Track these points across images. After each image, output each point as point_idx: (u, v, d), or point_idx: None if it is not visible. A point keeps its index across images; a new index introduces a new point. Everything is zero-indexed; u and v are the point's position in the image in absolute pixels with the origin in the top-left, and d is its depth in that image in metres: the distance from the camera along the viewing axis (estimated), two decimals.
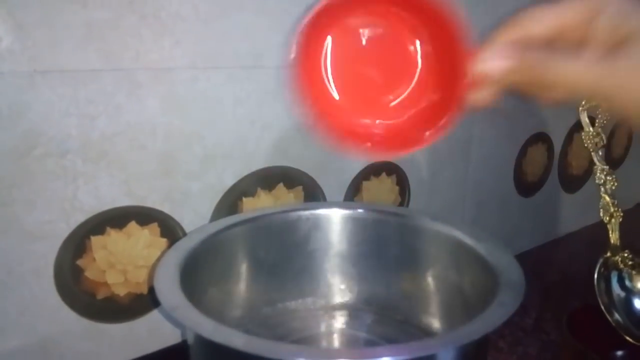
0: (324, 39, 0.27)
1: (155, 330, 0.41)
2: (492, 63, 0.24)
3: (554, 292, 0.58)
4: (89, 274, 0.38)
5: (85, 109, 0.35)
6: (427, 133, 0.26)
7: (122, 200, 0.38)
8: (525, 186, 0.66)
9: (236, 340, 0.23)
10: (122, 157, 0.38)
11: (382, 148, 0.28)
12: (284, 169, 0.46)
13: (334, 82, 0.27)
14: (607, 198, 0.42)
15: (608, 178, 0.42)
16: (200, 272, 0.34)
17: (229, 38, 0.40)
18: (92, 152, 0.36)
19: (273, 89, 0.43)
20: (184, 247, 0.33)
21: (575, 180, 0.73)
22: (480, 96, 0.25)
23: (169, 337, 0.42)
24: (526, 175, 0.66)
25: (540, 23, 0.24)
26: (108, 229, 0.38)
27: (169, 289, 0.28)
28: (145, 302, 0.41)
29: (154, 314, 0.41)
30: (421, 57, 0.26)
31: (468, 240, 0.34)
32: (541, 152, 0.67)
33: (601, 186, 0.42)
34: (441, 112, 0.26)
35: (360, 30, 0.26)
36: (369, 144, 0.27)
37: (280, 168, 0.45)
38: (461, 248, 0.34)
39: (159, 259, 0.40)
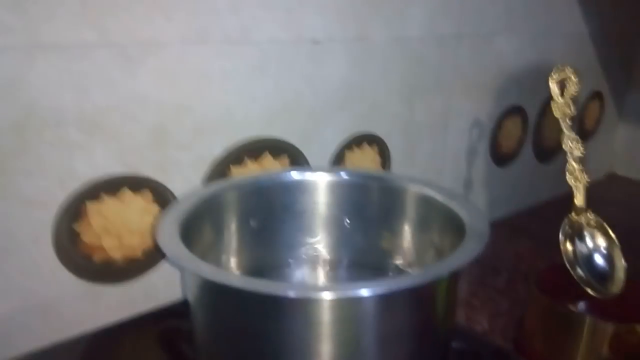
0: None
1: (149, 291, 0.44)
2: None
3: (525, 256, 0.62)
4: (86, 238, 0.40)
5: (80, 83, 0.37)
6: None
7: (116, 169, 0.40)
8: (501, 157, 0.69)
9: (234, 280, 0.25)
10: (116, 128, 0.39)
11: None
12: (270, 140, 0.48)
13: None
14: (574, 164, 0.45)
15: (574, 145, 0.45)
16: (196, 230, 0.37)
17: (218, 14, 0.41)
18: (86, 123, 0.38)
19: (259, 63, 0.45)
20: (181, 207, 0.36)
21: (548, 152, 0.77)
22: None
23: (163, 298, 0.45)
24: (502, 146, 0.69)
25: None
26: (103, 195, 0.40)
27: (171, 241, 0.30)
28: (139, 265, 0.43)
29: (148, 277, 0.44)
30: None
31: (439, 197, 0.37)
32: (516, 124, 0.70)
33: (568, 152, 0.45)
34: None
35: None
36: None
37: (266, 139, 0.48)
38: (433, 205, 0.38)
39: (154, 223, 0.42)
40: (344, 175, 0.46)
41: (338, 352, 0.27)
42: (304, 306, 0.26)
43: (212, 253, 0.39)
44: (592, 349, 0.41)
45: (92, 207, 0.40)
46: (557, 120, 0.77)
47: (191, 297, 0.32)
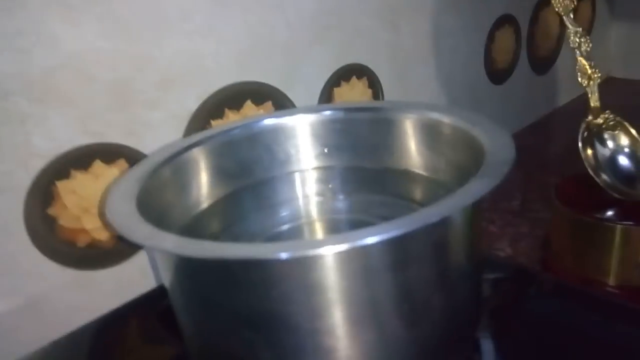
0: None
1: (145, 270, 0.40)
2: None
3: (535, 174, 0.59)
4: (63, 222, 0.36)
5: (17, 42, 0.32)
6: None
7: (81, 139, 0.35)
8: (497, 73, 0.65)
9: (212, 248, 0.20)
10: (70, 92, 0.34)
11: None
12: (248, 85, 0.43)
13: None
14: (583, 61, 0.41)
15: (582, 40, 0.41)
16: (158, 200, 0.31)
17: None
18: (35, 90, 0.33)
19: None
20: (135, 174, 0.30)
21: (544, 62, 0.72)
22: None
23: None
24: (496, 62, 0.64)
25: None
26: (72, 171, 0.35)
27: (124, 215, 0.25)
28: (130, 243, 0.39)
29: (142, 254, 0.40)
30: None
31: (447, 119, 0.32)
32: (508, 35, 0.65)
33: (576, 49, 0.41)
34: None
35: None
36: None
37: (244, 84, 0.43)
38: (441, 129, 0.32)
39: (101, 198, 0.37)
40: (328, 112, 0.39)
41: (351, 315, 0.23)
42: (301, 267, 0.21)
43: (182, 222, 0.33)
44: (627, 258, 0.38)
45: (63, 187, 0.35)
46: (550, 26, 0.72)
47: (166, 280, 0.27)
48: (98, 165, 0.36)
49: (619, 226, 0.38)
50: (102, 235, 0.38)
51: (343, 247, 0.20)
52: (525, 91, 0.70)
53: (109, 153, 0.37)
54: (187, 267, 0.23)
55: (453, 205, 0.21)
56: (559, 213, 0.42)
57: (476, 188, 0.21)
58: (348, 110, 0.38)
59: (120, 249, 0.39)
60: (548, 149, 0.68)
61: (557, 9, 0.42)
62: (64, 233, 0.36)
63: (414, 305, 0.23)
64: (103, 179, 0.37)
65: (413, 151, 0.34)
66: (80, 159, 0.35)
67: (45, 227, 0.35)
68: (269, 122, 0.38)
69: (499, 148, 0.25)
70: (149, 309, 0.38)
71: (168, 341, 0.35)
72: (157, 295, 0.40)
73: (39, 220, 0.35)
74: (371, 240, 0.20)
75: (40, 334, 0.36)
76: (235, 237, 0.33)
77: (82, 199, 0.36)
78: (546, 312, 0.32)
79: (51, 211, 0.35)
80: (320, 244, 0.20)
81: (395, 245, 0.22)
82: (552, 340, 0.29)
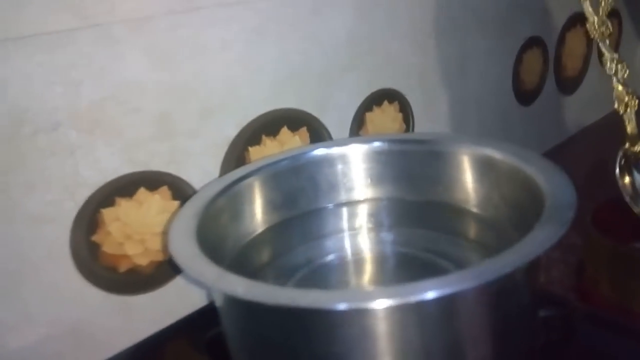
0: None
1: (184, 294, 0.41)
2: None
3: None
4: (107, 248, 0.36)
5: (68, 75, 0.33)
6: None
7: (126, 168, 0.36)
8: (525, 95, 0.65)
9: (269, 294, 0.21)
10: (116, 123, 0.35)
11: None
12: (284, 112, 0.43)
13: None
14: (620, 87, 0.41)
15: (619, 66, 0.41)
16: (214, 232, 0.32)
17: None
18: (84, 121, 0.34)
19: (259, 27, 0.40)
20: (192, 209, 0.31)
21: (571, 82, 0.72)
22: None
23: (200, 301, 0.41)
24: (524, 83, 0.64)
25: None
26: (117, 199, 0.36)
27: (190, 255, 0.25)
28: (168, 268, 0.40)
29: (180, 280, 0.40)
30: None
31: (498, 155, 0.32)
32: (536, 57, 0.65)
33: (613, 76, 0.41)
34: None
35: None
36: None
37: (280, 111, 0.43)
38: (493, 165, 0.32)
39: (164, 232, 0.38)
40: (377, 143, 0.39)
41: None
42: (355, 317, 0.21)
43: (233, 253, 0.34)
44: None
45: (108, 214, 0.36)
46: (577, 47, 0.72)
47: (219, 306, 0.28)
48: (142, 193, 0.37)
49: None
50: (143, 261, 0.38)
51: (401, 301, 0.20)
52: (553, 112, 0.70)
53: (153, 181, 0.37)
54: (250, 310, 0.23)
55: (520, 258, 0.21)
56: (595, 241, 0.42)
57: (543, 238, 0.21)
58: (395, 142, 0.38)
59: (158, 275, 0.39)
60: (577, 170, 0.67)
61: (592, 36, 0.42)
62: (107, 259, 0.37)
63: (469, 352, 0.23)
64: (146, 206, 0.37)
65: (463, 186, 0.34)
66: (125, 187, 0.36)
67: (89, 254, 0.36)
68: (317, 152, 0.38)
69: (557, 189, 0.24)
70: (187, 334, 0.39)
71: None
72: (194, 321, 0.40)
73: (83, 247, 0.35)
74: (430, 295, 0.20)
75: (81, 359, 0.37)
76: (283, 268, 0.34)
77: (125, 226, 0.37)
78: (594, 347, 0.31)
79: (95, 238, 0.36)
80: (376, 295, 0.20)
81: (453, 299, 0.21)
82: None
